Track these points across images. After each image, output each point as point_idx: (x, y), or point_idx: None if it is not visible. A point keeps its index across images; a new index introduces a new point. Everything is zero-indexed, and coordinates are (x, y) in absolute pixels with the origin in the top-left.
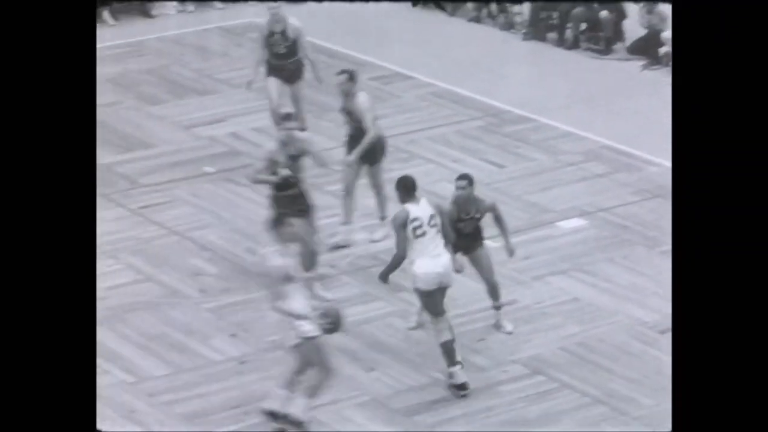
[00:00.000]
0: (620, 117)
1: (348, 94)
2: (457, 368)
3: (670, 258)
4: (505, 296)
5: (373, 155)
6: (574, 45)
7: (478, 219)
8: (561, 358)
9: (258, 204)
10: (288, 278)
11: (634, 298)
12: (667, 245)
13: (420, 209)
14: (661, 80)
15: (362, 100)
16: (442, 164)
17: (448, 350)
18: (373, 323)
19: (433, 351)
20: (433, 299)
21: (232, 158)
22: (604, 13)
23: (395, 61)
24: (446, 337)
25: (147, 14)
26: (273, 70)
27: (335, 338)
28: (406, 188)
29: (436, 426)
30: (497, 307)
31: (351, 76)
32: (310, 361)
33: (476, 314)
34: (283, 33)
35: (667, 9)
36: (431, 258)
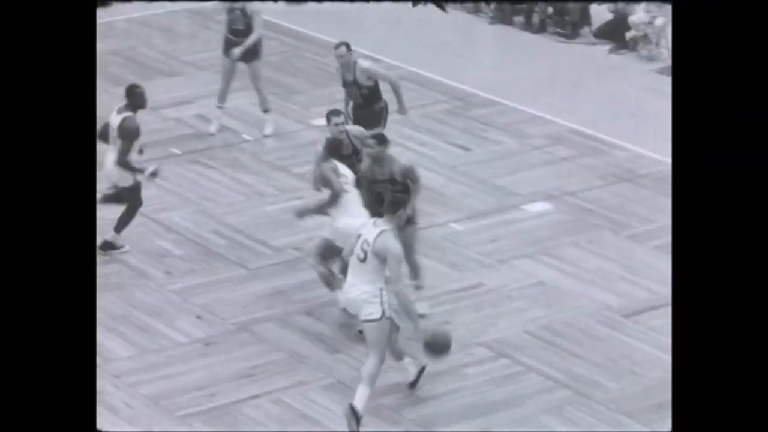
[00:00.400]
0: (586, 101)
1: (348, 65)
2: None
3: (636, 242)
4: (470, 279)
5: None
6: (540, 29)
7: (397, 186)
8: (526, 341)
9: (223, 185)
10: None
11: (600, 282)
12: (633, 229)
13: (346, 169)
14: (628, 64)
15: (367, 64)
16: (408, 147)
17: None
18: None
19: (400, 333)
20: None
21: (199, 140)
22: None
23: (362, 44)
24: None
25: None
26: (231, 46)
27: (302, 320)
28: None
29: (401, 409)
30: (417, 287)
31: (348, 47)
32: (372, 344)
33: (441, 297)
34: (243, 10)
35: None
36: (351, 217)
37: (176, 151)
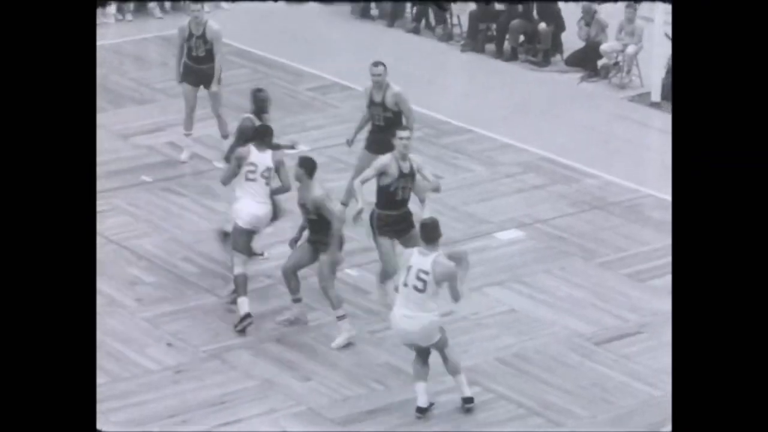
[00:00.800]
0: (558, 129)
1: (381, 85)
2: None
3: (608, 269)
4: (442, 307)
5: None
6: (512, 57)
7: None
8: (497, 369)
9: (195, 213)
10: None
11: (571, 309)
12: (605, 257)
13: (260, 156)
14: (599, 92)
15: (399, 89)
16: None
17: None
18: (310, 333)
19: (370, 361)
20: (246, 239)
21: (170, 167)
22: (542, 26)
23: (333, 71)
24: (239, 271)
25: None
26: (191, 73)
27: (272, 348)
28: (255, 134)
29: None
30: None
31: (385, 66)
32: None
33: None
34: (203, 36)
35: (605, 20)
36: (257, 203)
37: (147, 178)
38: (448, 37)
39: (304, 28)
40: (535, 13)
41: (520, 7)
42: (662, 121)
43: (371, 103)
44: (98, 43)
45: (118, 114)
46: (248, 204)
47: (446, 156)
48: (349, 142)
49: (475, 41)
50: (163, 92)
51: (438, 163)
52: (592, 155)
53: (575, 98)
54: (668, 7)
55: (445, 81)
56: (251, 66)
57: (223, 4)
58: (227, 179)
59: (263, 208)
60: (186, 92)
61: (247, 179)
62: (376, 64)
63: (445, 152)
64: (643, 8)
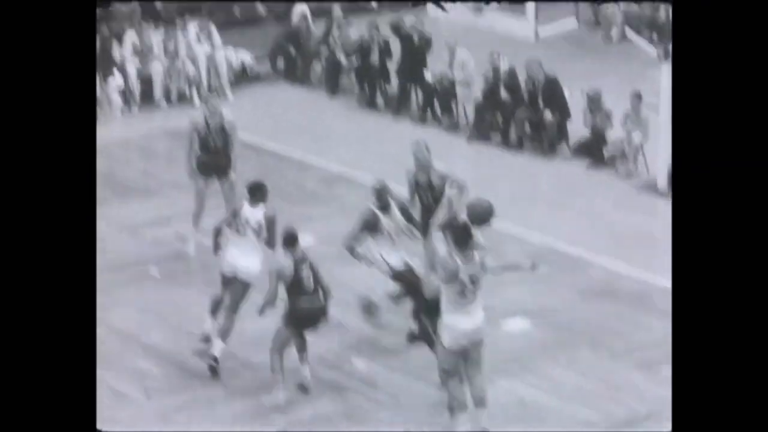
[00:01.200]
0: (564, 218)
1: (426, 167)
2: None
3: (615, 359)
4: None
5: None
6: (518, 146)
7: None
8: None
9: (202, 306)
10: None
11: (580, 399)
12: (612, 346)
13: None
14: (606, 181)
15: (444, 168)
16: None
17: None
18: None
19: None
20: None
21: (177, 260)
22: (548, 115)
23: (339, 162)
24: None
25: None
26: (206, 165)
27: None
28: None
29: None
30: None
31: (428, 147)
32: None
33: (421, 416)
34: (220, 126)
35: (611, 108)
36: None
37: (155, 271)
38: (454, 127)
39: (309, 118)
40: (540, 101)
41: (525, 97)
42: (669, 210)
43: (417, 184)
44: (104, 135)
45: (124, 206)
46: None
47: None
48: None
49: (480, 131)
50: (169, 184)
51: None
52: (599, 244)
53: (581, 187)
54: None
55: (451, 170)
56: (256, 158)
57: (228, 95)
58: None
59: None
60: (200, 187)
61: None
62: (418, 143)
63: None
64: (649, 96)
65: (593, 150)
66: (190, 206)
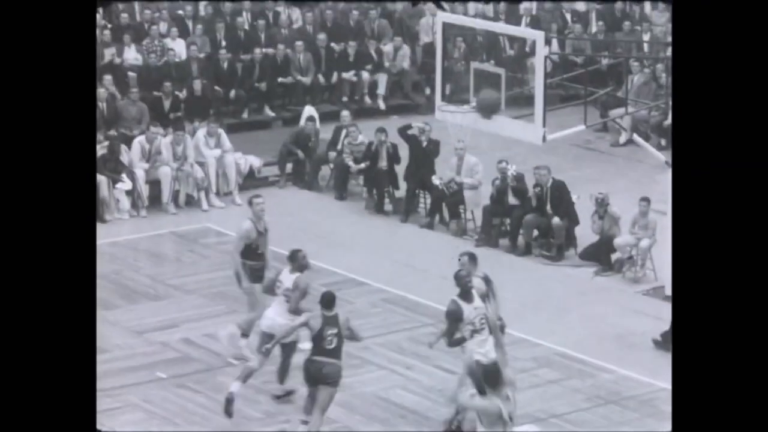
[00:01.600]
0: (572, 323)
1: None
2: None
3: None
4: None
5: None
6: (526, 251)
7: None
8: None
9: (209, 410)
10: None
11: None
12: None
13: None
14: (613, 287)
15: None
16: (395, 371)
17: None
18: None
19: None
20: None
21: (185, 364)
22: (556, 220)
23: (348, 267)
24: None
25: (101, 219)
26: (256, 272)
27: None
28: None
29: None
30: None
31: (472, 257)
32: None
33: None
34: (264, 229)
35: (618, 213)
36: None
37: (162, 375)
38: (462, 232)
39: (317, 222)
40: (548, 207)
41: (534, 202)
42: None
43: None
44: (113, 239)
45: (132, 310)
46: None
47: (460, 351)
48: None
49: (489, 236)
50: (177, 288)
51: (453, 358)
52: (607, 349)
53: (589, 292)
54: None
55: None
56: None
57: (237, 199)
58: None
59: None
60: (254, 293)
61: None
62: (461, 255)
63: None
64: (657, 202)
65: (601, 255)
66: (199, 310)
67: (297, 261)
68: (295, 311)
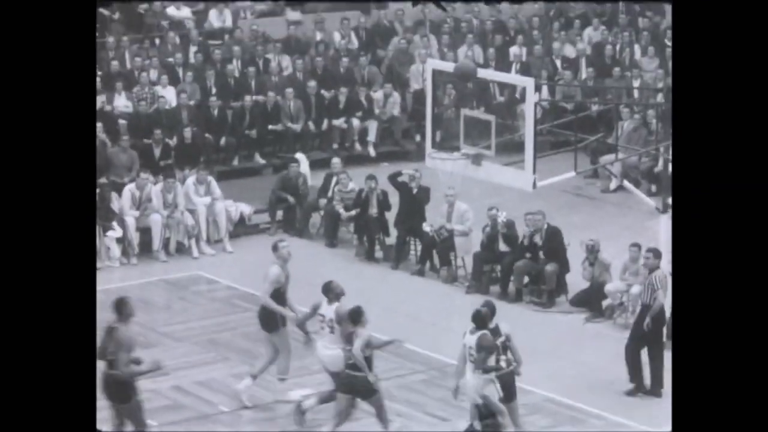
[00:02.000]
0: (563, 370)
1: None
2: None
3: None
4: None
5: None
6: (517, 298)
7: None
8: None
9: None
10: None
11: None
12: None
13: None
14: (604, 333)
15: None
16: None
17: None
18: None
19: None
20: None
21: (175, 412)
22: (548, 267)
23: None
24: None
25: None
26: (283, 318)
27: None
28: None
29: None
30: None
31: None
32: None
33: None
34: (289, 275)
35: (608, 260)
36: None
37: (153, 423)
38: (452, 279)
39: (307, 270)
40: (541, 253)
41: (527, 242)
42: (667, 361)
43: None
44: (103, 287)
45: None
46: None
47: (452, 398)
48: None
49: (479, 283)
50: (168, 336)
51: (444, 405)
52: (598, 396)
53: (580, 339)
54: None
55: (450, 323)
56: (255, 309)
57: (227, 246)
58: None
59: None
60: (286, 336)
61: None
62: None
63: (451, 395)
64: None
65: (592, 302)
66: (187, 358)
67: (333, 291)
68: (348, 338)
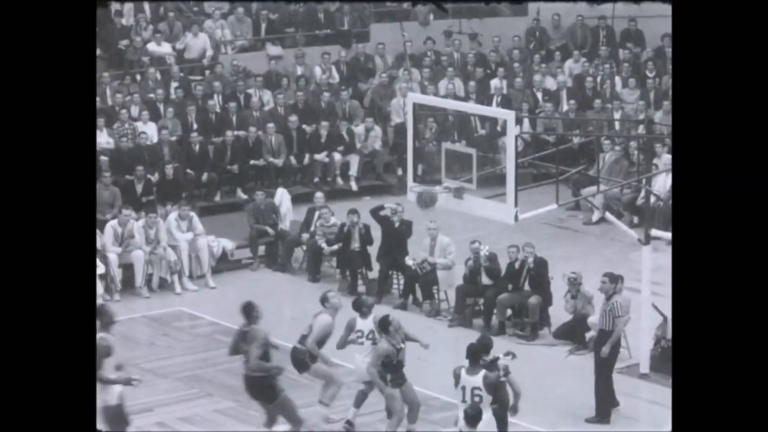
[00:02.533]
0: (546, 403)
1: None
2: None
3: None
4: None
5: None
6: (500, 331)
7: None
8: None
9: None
10: None
11: None
12: None
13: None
14: (588, 365)
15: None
16: None
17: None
18: None
19: None
20: None
21: None
22: (532, 299)
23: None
24: None
25: None
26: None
27: None
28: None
29: None
30: None
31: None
32: None
33: None
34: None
35: (590, 292)
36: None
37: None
38: (435, 313)
39: (290, 304)
40: (526, 284)
41: (510, 286)
42: (651, 392)
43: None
44: None
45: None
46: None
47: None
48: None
49: (462, 316)
50: (151, 372)
51: None
52: (583, 428)
53: (564, 371)
54: (653, 279)
55: (433, 357)
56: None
57: (210, 282)
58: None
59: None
60: (329, 370)
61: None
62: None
63: (436, 428)
64: (630, 280)
65: (575, 334)
66: (171, 394)
67: (365, 305)
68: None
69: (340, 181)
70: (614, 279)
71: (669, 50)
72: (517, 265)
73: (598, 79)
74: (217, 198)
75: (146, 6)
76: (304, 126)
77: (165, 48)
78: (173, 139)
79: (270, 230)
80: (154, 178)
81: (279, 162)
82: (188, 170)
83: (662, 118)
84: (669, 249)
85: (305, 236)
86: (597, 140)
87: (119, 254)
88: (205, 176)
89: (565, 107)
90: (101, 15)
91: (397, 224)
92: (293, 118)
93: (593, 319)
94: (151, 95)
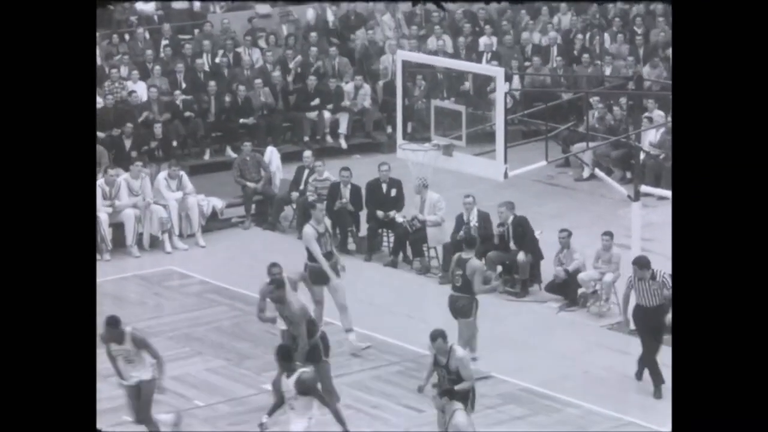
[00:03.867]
0: (537, 359)
1: (444, 351)
2: None
3: None
4: None
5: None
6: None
7: None
8: None
9: None
10: None
11: None
12: None
13: None
14: (578, 321)
15: (462, 353)
16: (361, 410)
17: None
18: None
19: None
20: None
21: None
22: (520, 256)
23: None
24: None
25: None
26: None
27: None
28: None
29: None
30: None
31: (444, 337)
32: None
33: None
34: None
35: (582, 248)
36: None
37: (128, 418)
38: (425, 270)
39: (280, 263)
40: (512, 243)
41: (496, 239)
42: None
43: (436, 363)
44: None
45: (98, 354)
46: None
47: (428, 389)
48: (420, 389)
49: (450, 273)
50: (142, 331)
51: (419, 396)
52: (573, 384)
53: (554, 328)
54: (643, 235)
55: (424, 314)
56: (228, 303)
57: (200, 241)
58: None
59: None
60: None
61: None
62: (434, 337)
63: (426, 386)
64: (620, 236)
65: (565, 291)
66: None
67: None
68: None
69: (329, 139)
70: (644, 264)
71: (658, 6)
72: (500, 228)
73: (587, 35)
74: (207, 157)
75: None
76: (292, 83)
77: (151, 6)
78: (162, 98)
79: (250, 185)
80: (143, 135)
81: (267, 120)
82: (177, 129)
83: (650, 73)
84: (659, 205)
85: (295, 194)
86: (586, 97)
87: (109, 214)
88: (194, 135)
89: (554, 64)
90: None
91: (385, 190)
92: (279, 74)
93: (584, 275)
94: (140, 57)
